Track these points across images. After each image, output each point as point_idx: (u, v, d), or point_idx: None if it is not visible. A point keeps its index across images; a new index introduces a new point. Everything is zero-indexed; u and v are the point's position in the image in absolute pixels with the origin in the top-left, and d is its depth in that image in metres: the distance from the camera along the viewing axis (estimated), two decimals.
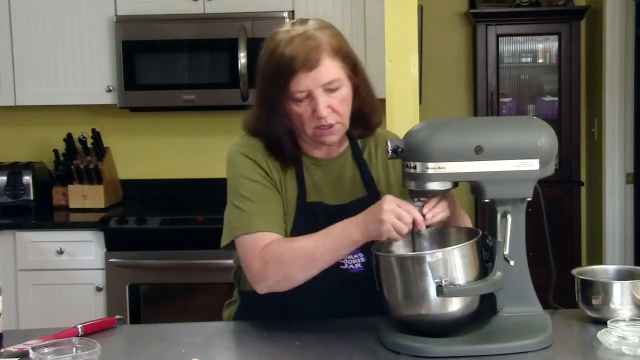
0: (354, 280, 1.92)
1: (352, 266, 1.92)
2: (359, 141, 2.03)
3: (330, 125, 1.86)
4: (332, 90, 1.85)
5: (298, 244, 1.81)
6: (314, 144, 1.96)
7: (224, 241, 1.94)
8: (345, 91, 1.87)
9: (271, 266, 1.81)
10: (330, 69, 1.84)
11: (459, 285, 1.67)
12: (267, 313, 1.96)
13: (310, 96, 1.84)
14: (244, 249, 1.88)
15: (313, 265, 1.79)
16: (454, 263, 1.68)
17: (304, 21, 1.91)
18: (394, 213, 1.71)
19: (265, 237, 1.86)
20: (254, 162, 1.93)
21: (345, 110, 1.89)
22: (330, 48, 1.84)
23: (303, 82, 1.82)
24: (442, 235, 1.86)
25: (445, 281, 1.64)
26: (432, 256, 1.67)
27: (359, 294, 1.92)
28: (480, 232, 1.77)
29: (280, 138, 1.91)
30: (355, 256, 1.92)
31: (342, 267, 1.92)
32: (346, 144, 2.02)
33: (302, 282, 1.82)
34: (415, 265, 1.68)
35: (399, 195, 1.95)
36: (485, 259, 1.76)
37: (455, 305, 1.69)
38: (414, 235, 1.79)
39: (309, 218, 1.91)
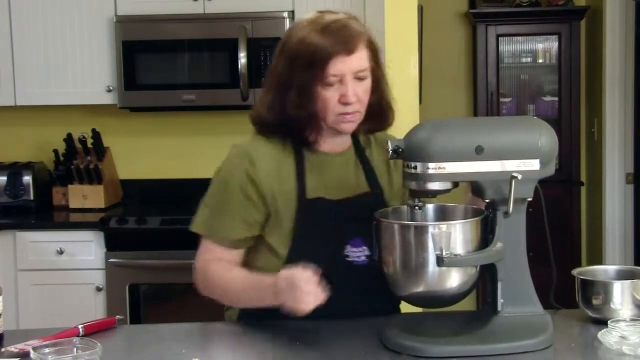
0: (358, 272, 1.93)
1: (356, 259, 1.94)
2: (361, 140, 2.06)
3: (352, 113, 1.91)
4: (360, 79, 1.91)
5: (231, 282, 1.93)
6: (325, 135, 1.97)
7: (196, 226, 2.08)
8: (369, 82, 1.94)
9: (207, 285, 1.99)
10: (363, 58, 1.90)
11: (460, 255, 1.67)
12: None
13: (340, 81, 1.88)
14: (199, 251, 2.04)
15: (236, 302, 1.99)
16: (456, 237, 1.68)
17: (332, 12, 1.96)
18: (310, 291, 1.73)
19: (215, 250, 1.99)
20: (243, 171, 2.04)
21: (366, 100, 1.94)
22: (365, 38, 1.91)
23: (339, 66, 1.87)
24: (444, 211, 1.87)
25: (447, 253, 1.64)
26: (435, 227, 1.68)
27: (361, 287, 1.92)
28: (485, 212, 1.77)
29: (303, 122, 1.93)
30: (360, 249, 1.93)
31: (347, 259, 1.93)
32: (349, 141, 2.04)
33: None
34: (418, 234, 1.69)
35: (400, 195, 1.96)
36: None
37: (454, 278, 1.69)
38: (414, 208, 1.78)
39: (310, 214, 1.92)
